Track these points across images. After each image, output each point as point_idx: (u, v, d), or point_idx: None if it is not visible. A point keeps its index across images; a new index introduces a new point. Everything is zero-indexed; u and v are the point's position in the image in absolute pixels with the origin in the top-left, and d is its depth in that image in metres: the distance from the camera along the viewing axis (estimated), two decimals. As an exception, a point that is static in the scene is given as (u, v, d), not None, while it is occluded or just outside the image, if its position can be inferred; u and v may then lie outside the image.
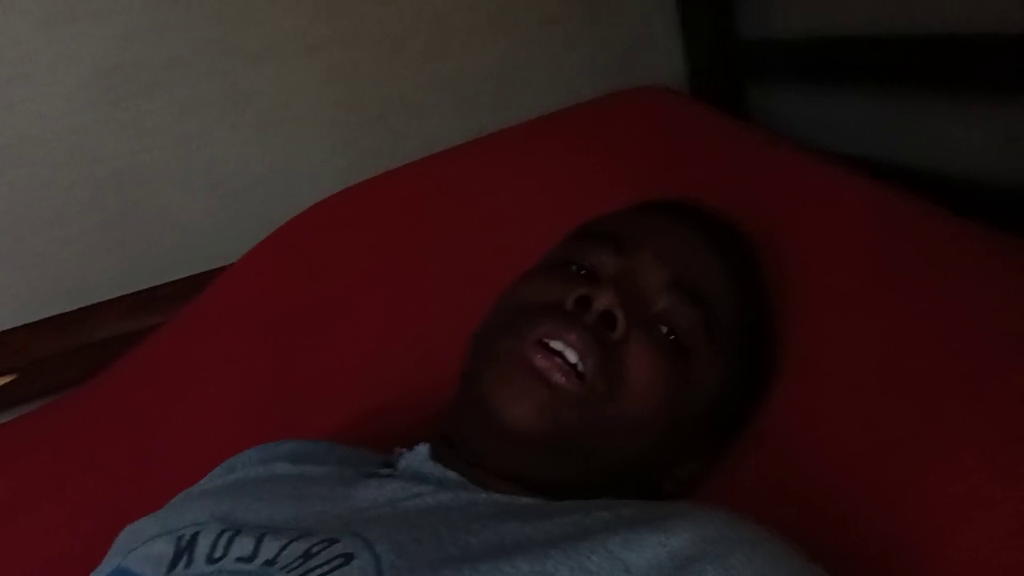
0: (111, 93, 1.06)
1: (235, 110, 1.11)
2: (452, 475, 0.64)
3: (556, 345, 0.62)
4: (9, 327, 1.04)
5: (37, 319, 1.04)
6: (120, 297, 1.07)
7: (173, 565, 0.56)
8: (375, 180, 1.06)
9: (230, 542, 0.56)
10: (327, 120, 1.16)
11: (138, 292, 1.08)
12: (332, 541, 0.54)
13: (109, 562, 0.62)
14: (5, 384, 1.02)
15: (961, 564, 0.56)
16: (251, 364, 0.95)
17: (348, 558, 0.52)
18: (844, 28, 1.05)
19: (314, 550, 0.53)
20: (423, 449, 0.65)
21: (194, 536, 0.58)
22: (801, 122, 1.15)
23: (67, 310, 1.05)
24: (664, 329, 0.67)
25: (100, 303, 1.06)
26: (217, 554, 0.56)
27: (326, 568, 0.52)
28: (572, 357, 0.62)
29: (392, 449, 0.69)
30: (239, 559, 0.55)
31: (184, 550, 0.57)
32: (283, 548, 0.55)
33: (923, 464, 0.63)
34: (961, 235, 0.78)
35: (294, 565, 0.53)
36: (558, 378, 0.62)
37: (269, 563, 0.54)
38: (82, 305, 1.06)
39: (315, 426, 0.87)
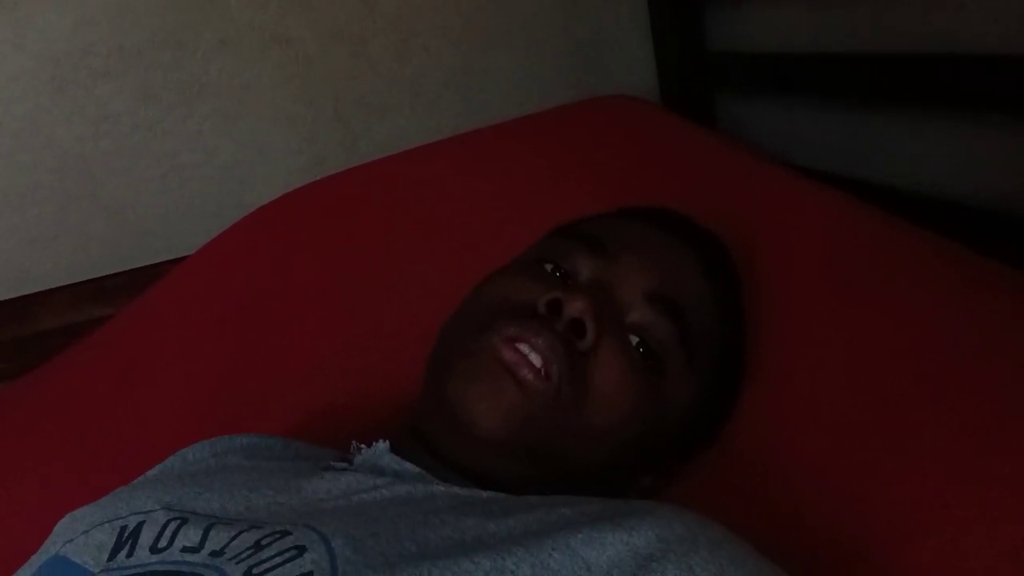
0: (57, 80, 1.03)
1: (191, 102, 1.09)
2: (410, 467, 0.62)
3: (522, 348, 0.61)
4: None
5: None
6: (68, 286, 1.04)
7: (114, 554, 0.54)
8: (335, 177, 1.06)
9: (176, 532, 0.54)
10: (285, 117, 1.14)
11: (87, 281, 1.05)
12: (284, 533, 0.52)
13: (46, 551, 0.59)
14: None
15: (928, 566, 0.56)
16: (204, 359, 0.93)
17: (301, 550, 0.50)
18: (810, 44, 1.06)
19: (264, 541, 0.51)
20: (382, 445, 0.63)
21: (139, 525, 0.56)
22: (766, 133, 1.16)
23: (10, 297, 1.03)
24: (635, 340, 0.65)
25: (46, 291, 1.04)
26: (162, 544, 0.53)
27: (277, 560, 0.49)
28: (537, 362, 0.60)
29: (349, 445, 0.67)
30: (185, 549, 0.53)
31: (127, 539, 0.55)
32: (232, 538, 0.52)
33: (889, 468, 0.63)
34: (921, 246, 0.79)
35: (243, 556, 0.50)
36: (525, 374, 0.60)
37: (216, 553, 0.51)
38: (27, 293, 1.03)
39: (268, 423, 0.84)
